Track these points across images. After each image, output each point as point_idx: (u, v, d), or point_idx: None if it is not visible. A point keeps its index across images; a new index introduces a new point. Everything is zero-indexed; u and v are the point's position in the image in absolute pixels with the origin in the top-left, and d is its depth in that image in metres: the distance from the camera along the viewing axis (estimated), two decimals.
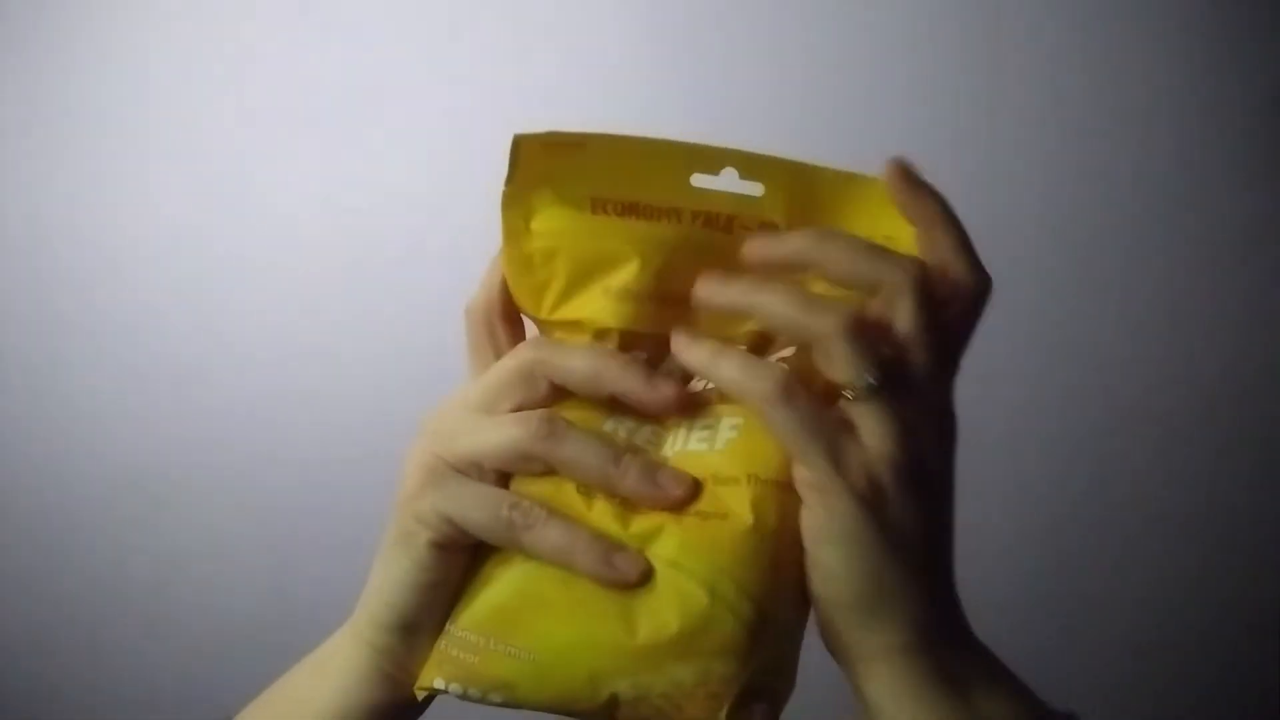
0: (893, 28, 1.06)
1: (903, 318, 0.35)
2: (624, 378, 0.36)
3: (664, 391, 0.36)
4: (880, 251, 0.35)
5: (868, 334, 0.34)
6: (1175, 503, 1.09)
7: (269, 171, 1.07)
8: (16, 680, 1.10)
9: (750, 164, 0.37)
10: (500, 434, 0.36)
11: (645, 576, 0.35)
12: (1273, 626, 1.10)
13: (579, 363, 0.36)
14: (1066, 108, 1.07)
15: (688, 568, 0.35)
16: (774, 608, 0.35)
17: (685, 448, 0.37)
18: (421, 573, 0.37)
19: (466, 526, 0.36)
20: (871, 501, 0.34)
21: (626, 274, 0.37)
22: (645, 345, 0.38)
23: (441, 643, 0.37)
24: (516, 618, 0.36)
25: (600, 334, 0.38)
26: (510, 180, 0.36)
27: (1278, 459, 1.10)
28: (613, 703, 0.35)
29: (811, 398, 0.34)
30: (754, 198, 0.38)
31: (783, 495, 0.35)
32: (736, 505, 0.35)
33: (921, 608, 0.35)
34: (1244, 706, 1.11)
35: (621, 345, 0.38)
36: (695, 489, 0.36)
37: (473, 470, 0.36)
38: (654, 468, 0.36)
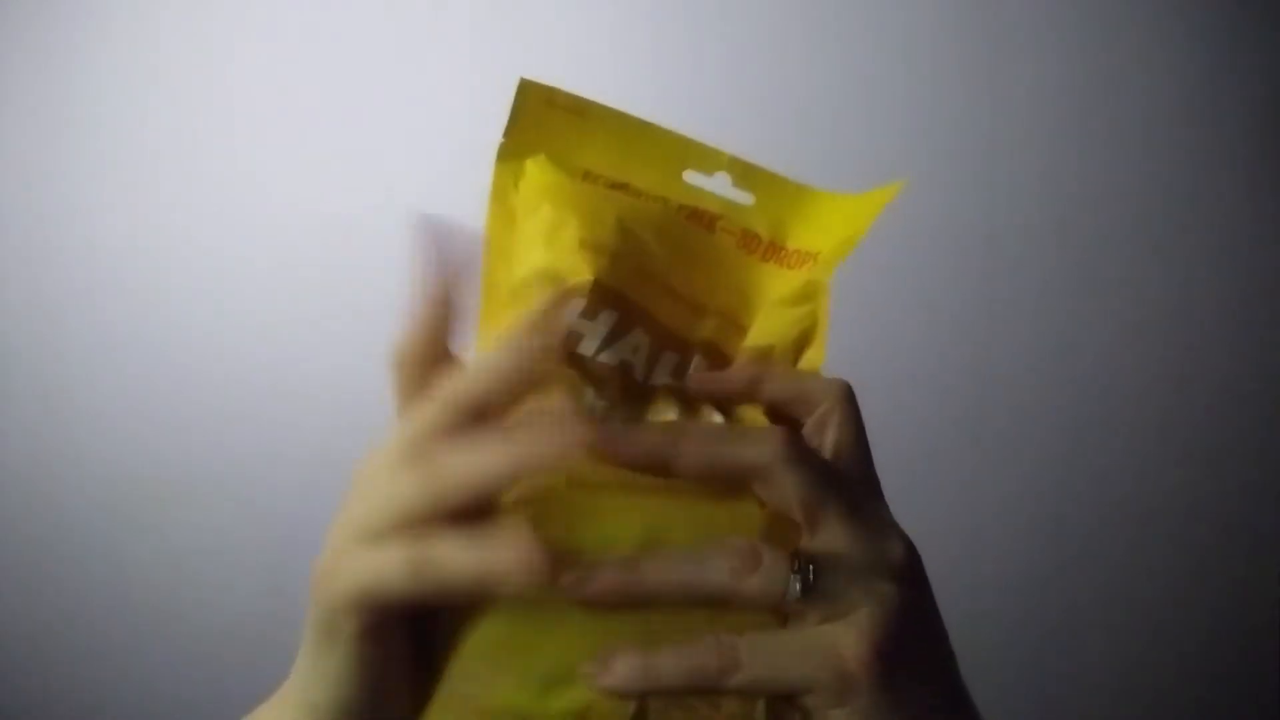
0: (894, 32, 1.06)
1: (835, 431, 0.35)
2: (541, 318, 0.32)
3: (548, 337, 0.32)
4: (737, 440, 0.34)
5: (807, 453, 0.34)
6: (1175, 503, 1.09)
7: (269, 173, 1.07)
8: (17, 680, 1.10)
9: (745, 173, 0.37)
10: (400, 494, 0.32)
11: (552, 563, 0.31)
12: (1273, 627, 1.10)
13: (492, 368, 0.32)
14: (1067, 110, 1.07)
15: None
16: None
17: None
18: (359, 667, 0.33)
19: (383, 595, 0.31)
20: (873, 687, 0.32)
21: (604, 229, 0.36)
22: (619, 305, 0.36)
23: (443, 692, 0.34)
24: (520, 645, 0.33)
25: (573, 289, 0.35)
26: (509, 131, 0.35)
27: (1278, 459, 1.10)
28: (641, 715, 0.32)
29: (758, 640, 0.32)
30: (743, 205, 0.37)
31: None
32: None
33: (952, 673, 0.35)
34: (1244, 707, 1.11)
35: (593, 297, 0.35)
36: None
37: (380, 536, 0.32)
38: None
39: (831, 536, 0.33)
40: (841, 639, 0.32)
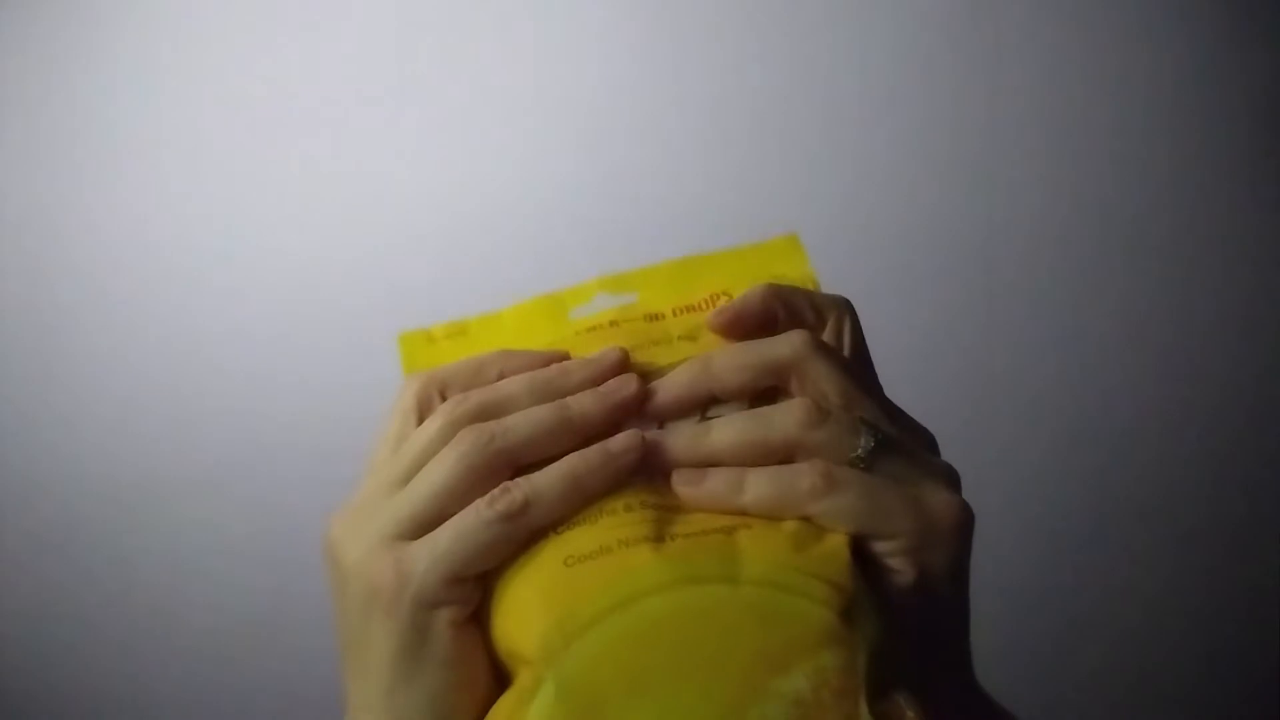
0: (891, 32, 1.06)
1: (829, 372, 0.33)
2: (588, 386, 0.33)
3: (627, 388, 0.33)
4: (761, 343, 0.34)
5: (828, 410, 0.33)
6: (1175, 504, 1.10)
7: (274, 173, 1.07)
8: (18, 680, 1.10)
9: (617, 283, 0.38)
10: (441, 468, 0.32)
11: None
12: (1273, 627, 1.10)
13: (522, 416, 0.32)
14: (1065, 110, 1.07)
15: (743, 576, 0.31)
16: (847, 580, 0.32)
17: None
18: (456, 670, 0.31)
19: (473, 557, 0.30)
20: (956, 543, 0.32)
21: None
22: None
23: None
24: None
25: None
26: None
27: (1278, 459, 1.10)
28: None
29: (852, 471, 0.31)
30: (633, 303, 0.38)
31: None
32: None
33: (968, 624, 0.35)
34: (1244, 707, 1.11)
35: None
36: (639, 383, 0.34)
37: (435, 526, 0.31)
38: (598, 391, 0.33)
39: (875, 415, 0.33)
40: (928, 494, 0.32)
